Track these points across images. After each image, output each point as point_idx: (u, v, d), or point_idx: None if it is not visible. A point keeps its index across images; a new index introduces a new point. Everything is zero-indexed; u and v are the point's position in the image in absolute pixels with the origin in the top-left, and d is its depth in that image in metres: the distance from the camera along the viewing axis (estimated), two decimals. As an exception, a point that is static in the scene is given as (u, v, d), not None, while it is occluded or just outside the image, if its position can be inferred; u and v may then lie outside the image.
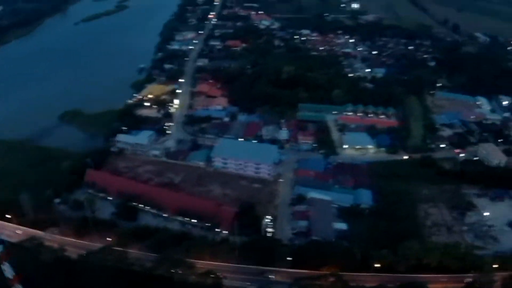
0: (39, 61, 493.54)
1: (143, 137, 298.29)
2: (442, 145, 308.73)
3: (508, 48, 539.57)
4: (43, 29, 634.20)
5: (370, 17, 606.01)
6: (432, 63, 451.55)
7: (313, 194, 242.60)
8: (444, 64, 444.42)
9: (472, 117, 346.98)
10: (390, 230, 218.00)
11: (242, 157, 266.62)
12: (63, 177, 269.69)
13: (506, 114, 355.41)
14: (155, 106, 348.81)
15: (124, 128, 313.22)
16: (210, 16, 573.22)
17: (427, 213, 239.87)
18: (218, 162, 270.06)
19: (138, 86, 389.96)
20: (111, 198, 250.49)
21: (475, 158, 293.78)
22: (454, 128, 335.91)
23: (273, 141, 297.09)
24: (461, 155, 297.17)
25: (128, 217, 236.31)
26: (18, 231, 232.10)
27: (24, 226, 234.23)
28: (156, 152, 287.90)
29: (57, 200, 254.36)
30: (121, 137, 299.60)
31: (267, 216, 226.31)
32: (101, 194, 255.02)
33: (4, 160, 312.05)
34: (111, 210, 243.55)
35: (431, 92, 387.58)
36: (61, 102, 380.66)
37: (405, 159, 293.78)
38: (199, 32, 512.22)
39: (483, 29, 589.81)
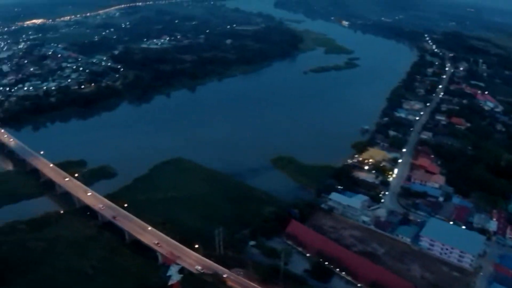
0: (260, 99, 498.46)
1: (357, 200, 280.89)
2: None
3: None
4: (269, 70, 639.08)
5: None
6: None
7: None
8: None
9: None
10: None
11: (449, 242, 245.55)
12: (263, 221, 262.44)
13: None
14: (373, 171, 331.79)
15: (339, 187, 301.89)
16: (437, 89, 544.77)
17: None
18: (424, 242, 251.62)
19: (359, 147, 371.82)
20: (308, 255, 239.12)
21: None
22: None
23: (481, 231, 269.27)
24: None
25: (321, 278, 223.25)
26: (202, 263, 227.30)
27: (209, 259, 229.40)
28: (366, 219, 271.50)
29: (251, 243, 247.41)
30: (334, 196, 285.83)
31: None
32: (299, 249, 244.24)
33: (206, 188, 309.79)
34: (304, 266, 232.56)
35: None
36: (275, 144, 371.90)
37: None
38: (426, 104, 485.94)
39: None
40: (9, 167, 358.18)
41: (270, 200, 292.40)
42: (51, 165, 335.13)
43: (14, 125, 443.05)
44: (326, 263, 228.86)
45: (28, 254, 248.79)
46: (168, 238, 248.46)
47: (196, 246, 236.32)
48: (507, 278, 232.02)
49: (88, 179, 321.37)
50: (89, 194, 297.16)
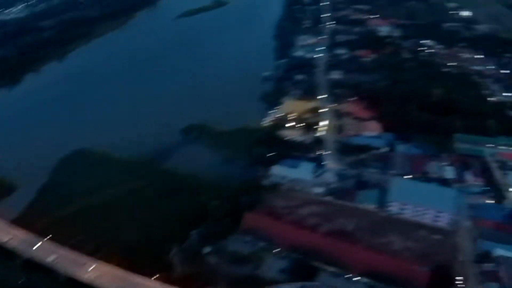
0: (140, 61, 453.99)
1: (305, 171, 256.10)
2: None
3: None
4: (136, 23, 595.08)
5: (484, 28, 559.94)
6: None
7: (500, 251, 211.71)
8: None
9: None
10: None
11: (422, 203, 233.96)
12: (214, 220, 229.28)
13: None
14: (299, 127, 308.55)
15: (271, 154, 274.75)
16: (323, 18, 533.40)
17: None
18: (394, 207, 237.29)
19: (270, 100, 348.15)
20: (277, 249, 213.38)
21: None
22: None
23: (440, 180, 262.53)
24: None
25: (305, 277, 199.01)
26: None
27: (173, 285, 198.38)
28: (320, 190, 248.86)
29: (206, 249, 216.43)
30: (277, 170, 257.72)
31: (458, 278, 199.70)
32: (262, 243, 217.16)
33: (126, 186, 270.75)
34: (279, 265, 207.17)
35: None
36: (178, 112, 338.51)
37: None
38: (319, 37, 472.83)
39: None
40: None
41: (204, 185, 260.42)
42: None
43: None
44: (304, 256, 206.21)
45: None
46: (115, 269, 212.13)
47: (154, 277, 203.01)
48: (488, 230, 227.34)
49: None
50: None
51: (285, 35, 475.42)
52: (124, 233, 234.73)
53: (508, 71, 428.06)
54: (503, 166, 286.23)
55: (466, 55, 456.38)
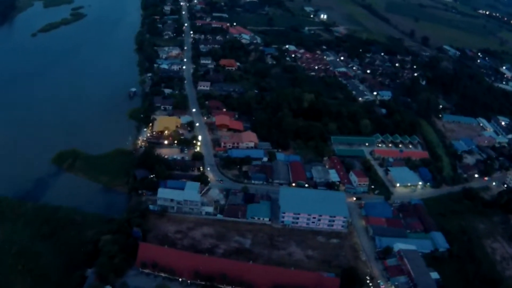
0: None
1: (191, 191, 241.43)
2: (474, 175, 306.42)
3: (478, 61, 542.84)
4: None
5: (342, 29, 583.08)
6: (423, 82, 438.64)
7: (399, 245, 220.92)
8: (434, 83, 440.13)
9: (485, 141, 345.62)
10: (475, 273, 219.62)
11: (315, 211, 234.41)
12: (109, 257, 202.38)
13: (510, 136, 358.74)
14: (175, 145, 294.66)
15: (153, 176, 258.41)
16: (184, 28, 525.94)
17: (492, 249, 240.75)
18: (287, 218, 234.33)
19: (139, 117, 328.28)
20: (181, 279, 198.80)
21: (505, 186, 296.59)
22: (473, 154, 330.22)
23: (326, 185, 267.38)
24: (493, 183, 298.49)
25: None
26: None
27: None
28: (209, 209, 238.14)
29: None
30: (163, 193, 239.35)
31: (365, 277, 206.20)
32: (164, 275, 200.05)
33: (2, 229, 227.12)
34: None
35: (439, 115, 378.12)
36: (45, 140, 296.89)
37: (450, 193, 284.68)
38: (183, 48, 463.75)
39: (445, 39, 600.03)
40: None
41: (89, 218, 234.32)
42: None
43: None
44: (207, 281, 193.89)
45: None
46: None
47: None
48: (381, 227, 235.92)
49: None
50: None
51: (147, 47, 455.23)
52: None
53: (369, 72, 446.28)
54: (383, 163, 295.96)
55: (330, 58, 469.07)
